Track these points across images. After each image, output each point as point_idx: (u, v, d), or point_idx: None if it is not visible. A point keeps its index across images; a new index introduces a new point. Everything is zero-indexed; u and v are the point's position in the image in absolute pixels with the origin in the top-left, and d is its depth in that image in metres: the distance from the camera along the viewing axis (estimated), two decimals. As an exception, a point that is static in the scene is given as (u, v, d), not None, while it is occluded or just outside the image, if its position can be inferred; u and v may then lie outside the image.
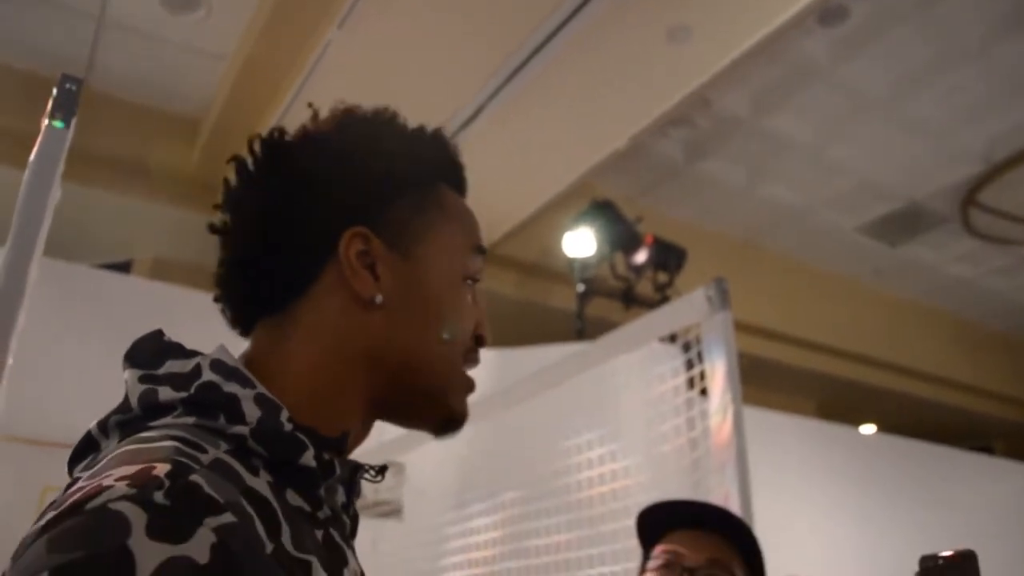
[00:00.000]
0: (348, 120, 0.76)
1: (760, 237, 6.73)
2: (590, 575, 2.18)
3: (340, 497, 0.67)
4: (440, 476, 4.07)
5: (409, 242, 0.73)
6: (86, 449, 0.64)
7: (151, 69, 4.63)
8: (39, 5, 4.18)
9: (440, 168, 0.79)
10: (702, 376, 2.01)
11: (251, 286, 0.72)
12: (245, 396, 0.63)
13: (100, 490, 0.49)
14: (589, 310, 5.49)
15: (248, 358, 0.70)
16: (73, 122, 1.51)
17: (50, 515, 0.50)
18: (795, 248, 6.87)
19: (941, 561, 0.78)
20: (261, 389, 0.64)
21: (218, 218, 0.74)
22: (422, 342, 0.72)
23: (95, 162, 4.73)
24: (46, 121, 1.47)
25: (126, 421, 0.63)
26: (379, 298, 0.70)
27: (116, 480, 0.50)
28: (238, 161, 0.74)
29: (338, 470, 0.65)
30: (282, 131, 0.74)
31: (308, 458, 0.62)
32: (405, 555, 3.45)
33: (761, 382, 7.41)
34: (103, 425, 0.65)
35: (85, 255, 4.99)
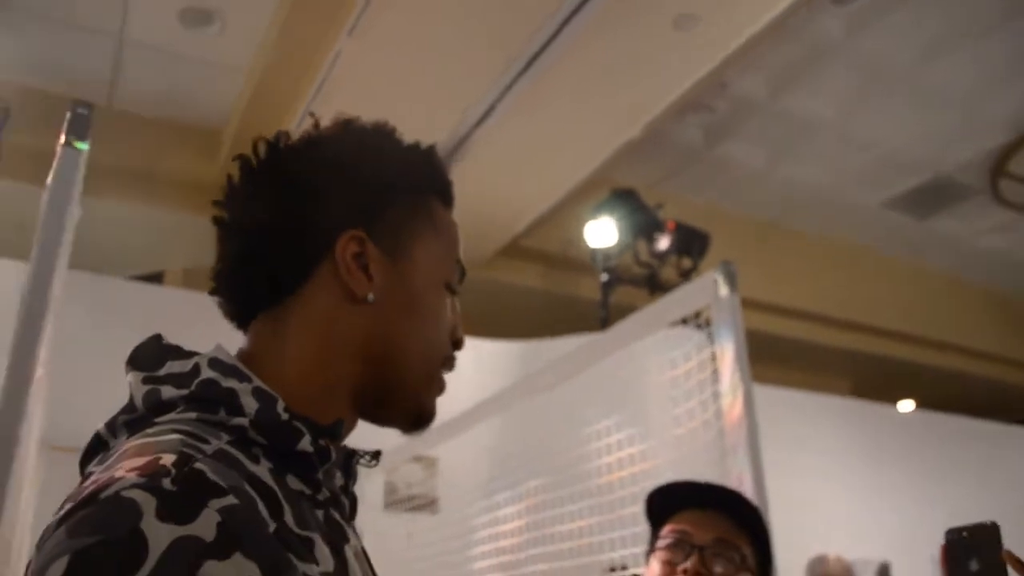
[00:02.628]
0: (348, 129, 0.80)
1: (786, 217, 6.68)
2: (612, 558, 2.21)
3: (338, 480, 0.72)
4: (472, 468, 4.12)
5: (399, 246, 0.77)
6: (96, 448, 0.69)
7: (171, 84, 4.73)
8: (61, 27, 4.29)
9: (432, 182, 0.83)
10: (713, 358, 2.03)
11: (249, 282, 0.76)
12: (243, 390, 0.67)
13: (112, 481, 0.54)
14: (615, 298, 5.51)
15: (246, 352, 0.75)
16: (86, 144, 1.58)
17: (68, 506, 0.55)
18: (822, 227, 6.81)
19: (965, 533, 0.80)
20: (258, 383, 0.69)
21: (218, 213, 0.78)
22: (404, 338, 0.76)
23: (122, 177, 4.84)
24: (61, 142, 1.54)
25: (132, 420, 0.68)
26: (372, 297, 0.74)
27: (127, 471, 0.55)
28: (242, 160, 0.78)
29: (334, 455, 0.70)
30: (287, 135, 0.79)
31: (305, 444, 0.67)
32: (438, 547, 3.51)
33: (794, 363, 7.37)
34: (111, 425, 0.70)
35: (117, 268, 5.11)
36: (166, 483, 0.54)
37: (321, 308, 0.74)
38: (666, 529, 1.38)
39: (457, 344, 0.82)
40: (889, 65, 5.08)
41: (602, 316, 5.37)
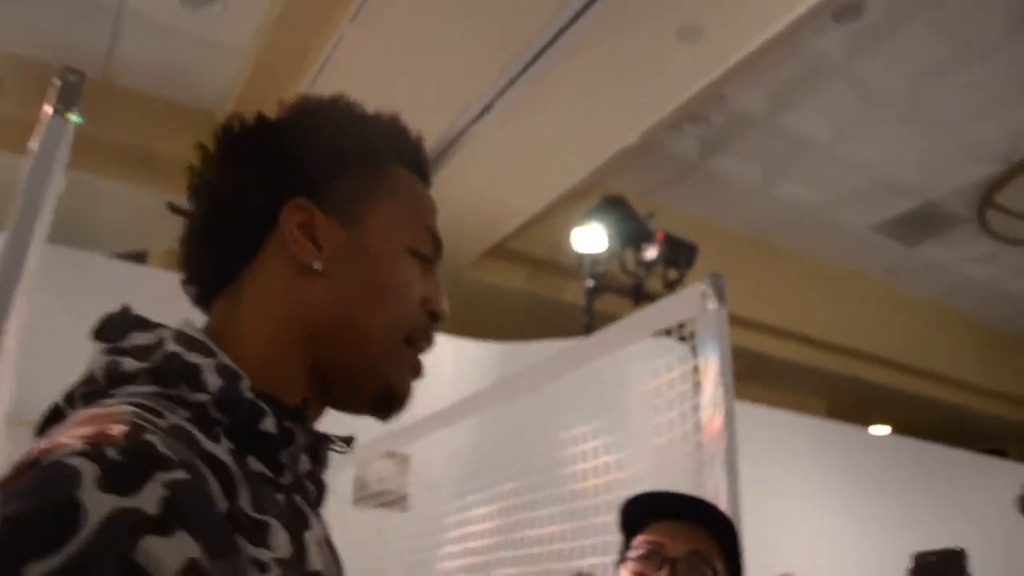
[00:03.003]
0: (301, 105, 0.78)
1: (774, 235, 6.70)
2: (580, 566, 2.20)
3: (304, 465, 0.69)
4: (446, 468, 4.10)
5: (352, 214, 0.75)
6: (52, 420, 0.65)
7: (168, 62, 4.68)
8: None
9: (395, 150, 0.80)
10: (695, 371, 2.02)
11: (204, 260, 0.75)
12: (207, 365, 0.65)
13: (56, 447, 0.51)
14: (599, 306, 5.50)
15: (208, 329, 0.72)
16: (76, 112, 1.55)
17: (9, 472, 0.52)
18: (810, 246, 6.84)
19: (933, 558, 0.80)
20: (223, 359, 0.66)
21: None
22: (360, 309, 0.73)
23: (111, 153, 4.79)
24: (48, 110, 1.51)
25: (90, 392, 0.65)
26: (318, 264, 0.72)
27: (71, 438, 0.52)
28: (201, 147, 0.77)
29: (299, 438, 0.67)
30: (241, 118, 0.77)
31: (268, 424, 0.64)
32: (407, 544, 3.49)
33: (770, 380, 7.39)
34: (69, 397, 0.66)
35: (101, 245, 5.06)
36: (111, 452, 0.50)
37: (271, 280, 0.72)
38: (639, 539, 1.36)
39: (435, 316, 0.78)
40: (886, 88, 5.11)
41: (586, 322, 5.36)
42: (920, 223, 6.42)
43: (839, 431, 6.54)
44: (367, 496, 4.51)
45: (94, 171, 4.60)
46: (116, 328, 0.68)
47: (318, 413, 0.75)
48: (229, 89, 4.82)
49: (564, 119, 4.57)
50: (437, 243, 0.80)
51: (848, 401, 8.06)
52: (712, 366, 1.99)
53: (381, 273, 0.75)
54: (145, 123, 4.93)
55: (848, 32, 4.63)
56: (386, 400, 0.75)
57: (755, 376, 7.18)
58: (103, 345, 0.67)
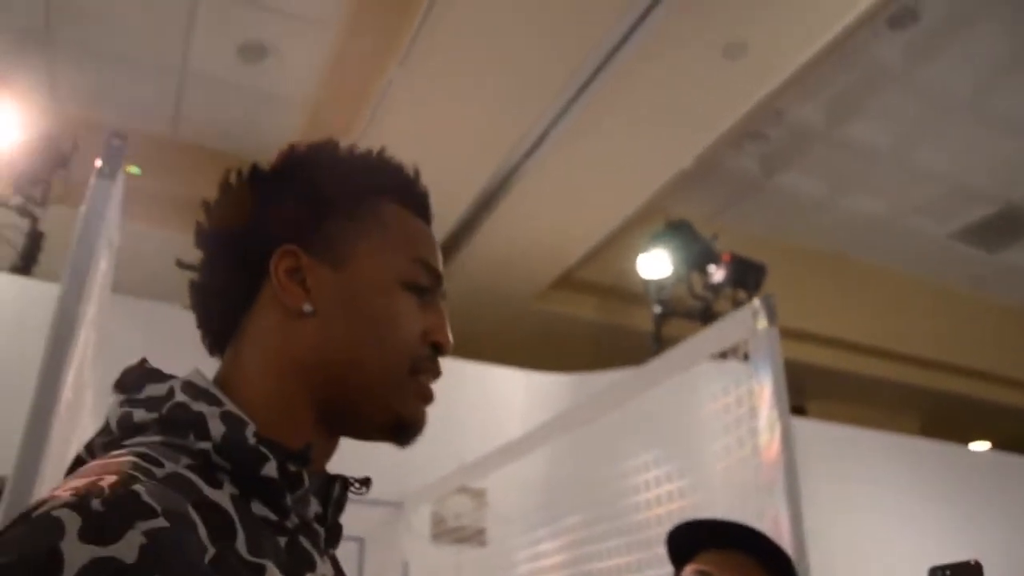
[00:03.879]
0: (287, 153, 0.81)
1: (846, 249, 6.52)
2: (646, 598, 2.15)
3: (314, 507, 0.70)
4: (520, 500, 4.08)
5: (340, 254, 0.76)
6: (75, 469, 0.68)
7: (231, 117, 4.86)
8: (126, 63, 4.45)
9: (381, 186, 0.81)
10: (751, 393, 1.97)
11: (208, 312, 0.78)
12: (211, 414, 0.66)
13: (48, 500, 0.54)
14: (669, 330, 5.42)
15: (216, 379, 0.74)
16: (121, 174, 1.62)
17: (7, 523, 0.55)
18: (885, 259, 6.62)
19: (948, 572, 0.77)
20: (229, 407, 0.68)
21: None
22: (356, 347, 0.74)
23: (183, 208, 4.97)
24: (94, 177, 1.59)
25: (108, 442, 0.68)
26: (308, 307, 0.73)
27: (64, 491, 0.55)
28: (204, 203, 0.80)
29: (307, 481, 0.68)
30: (239, 172, 0.80)
31: (270, 470, 0.65)
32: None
33: (859, 399, 7.15)
34: (90, 447, 0.70)
35: (175, 297, 5.24)
36: (95, 503, 0.53)
37: (267, 327, 0.74)
38: (688, 569, 1.33)
39: (438, 348, 0.78)
40: (951, 92, 4.94)
41: (655, 349, 5.29)
42: (1001, 227, 6.16)
43: (935, 449, 6.26)
44: (444, 532, 4.51)
45: (163, 225, 4.78)
46: (133, 380, 0.70)
47: (329, 452, 0.76)
48: (288, 140, 4.96)
49: (617, 146, 4.56)
50: (434, 274, 0.80)
51: (943, 417, 7.72)
52: (767, 388, 1.93)
53: (372, 309, 0.75)
54: (212, 177, 5.10)
55: (906, 37, 4.51)
56: (398, 430, 0.76)
57: (844, 396, 6.96)
58: (119, 396, 0.70)
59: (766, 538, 1.37)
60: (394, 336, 0.75)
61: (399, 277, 0.77)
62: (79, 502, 0.53)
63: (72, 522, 0.51)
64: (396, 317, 0.76)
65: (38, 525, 0.52)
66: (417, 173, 0.84)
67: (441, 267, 0.82)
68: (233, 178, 0.79)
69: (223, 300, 0.77)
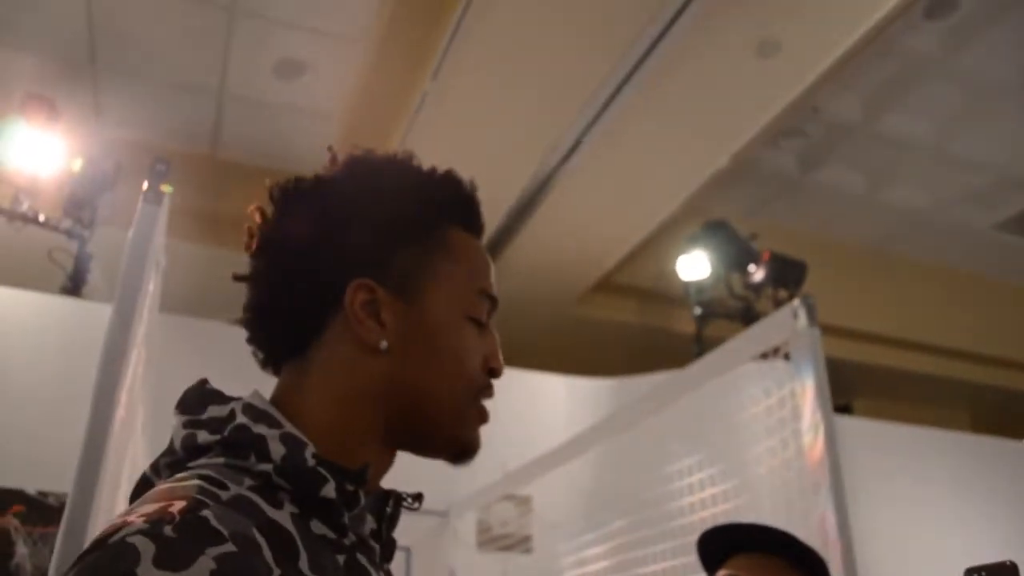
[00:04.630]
0: (355, 168, 0.81)
1: (889, 243, 6.41)
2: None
3: (369, 524, 0.72)
4: (566, 507, 4.08)
5: (413, 288, 0.77)
6: (141, 489, 0.72)
7: (269, 134, 4.94)
8: (167, 86, 4.56)
9: (450, 209, 0.82)
10: (793, 394, 1.96)
11: (270, 332, 0.79)
12: (272, 436, 0.69)
13: (122, 526, 0.57)
14: (710, 332, 5.38)
15: (275, 399, 0.76)
16: (166, 199, 1.68)
17: (87, 546, 0.58)
18: (929, 252, 6.50)
19: (983, 573, 0.77)
20: (288, 428, 0.70)
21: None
22: (428, 381, 0.76)
23: (227, 224, 5.06)
24: (140, 201, 1.64)
25: (173, 463, 0.71)
26: (384, 344, 0.74)
27: (137, 517, 0.58)
28: (260, 211, 0.80)
29: (363, 500, 0.70)
30: (298, 179, 0.80)
31: (329, 490, 0.67)
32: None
33: (906, 396, 7.02)
34: (155, 467, 0.73)
35: (224, 312, 5.33)
36: (167, 530, 0.55)
37: (339, 358, 0.75)
38: (720, 574, 1.34)
39: (493, 373, 0.80)
40: (991, 80, 4.85)
41: (696, 351, 5.26)
42: (1049, 216, 6.02)
43: (987, 444, 6.13)
44: (490, 540, 4.53)
45: (212, 242, 4.86)
46: (195, 401, 0.73)
47: (385, 470, 0.78)
48: (326, 155, 5.03)
49: (652, 148, 4.56)
50: (494, 302, 0.82)
51: (994, 412, 7.55)
52: (809, 388, 1.92)
53: (443, 345, 0.77)
54: (253, 194, 5.19)
55: (943, 26, 4.44)
56: (462, 454, 0.79)
57: (891, 393, 6.84)
58: (182, 417, 0.72)
59: (796, 540, 1.37)
60: (462, 369, 0.77)
61: (465, 311, 0.79)
62: (152, 529, 0.55)
63: (147, 549, 0.54)
64: (465, 351, 0.78)
65: (114, 551, 0.55)
66: (475, 188, 0.84)
67: (497, 292, 0.83)
68: (293, 188, 0.79)
69: (289, 324, 0.77)
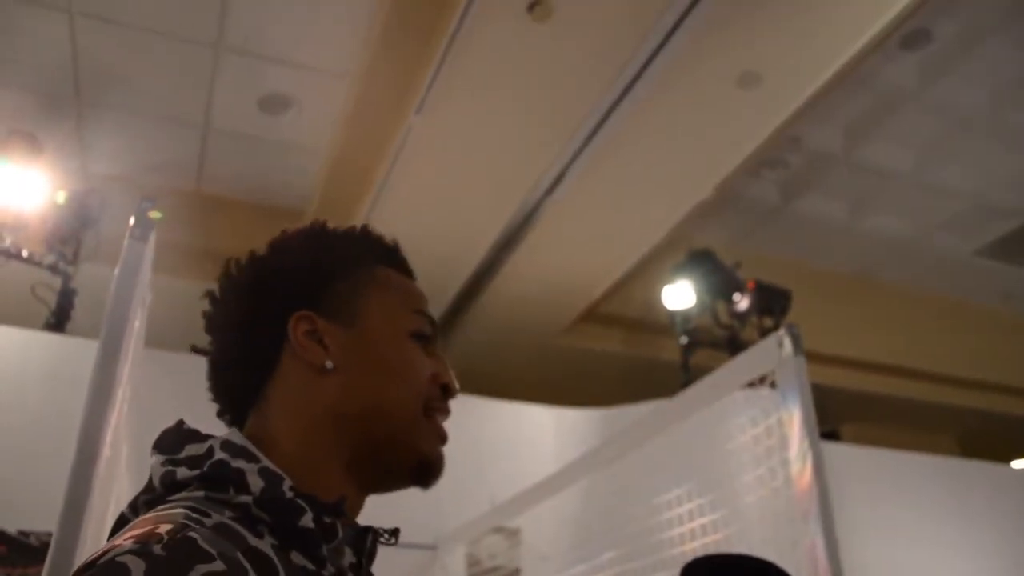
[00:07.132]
0: (284, 237, 0.90)
1: (871, 270, 6.48)
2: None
3: (348, 558, 0.74)
4: (556, 539, 4.05)
5: (348, 312, 0.83)
6: (120, 526, 0.73)
7: (254, 169, 4.96)
8: (151, 121, 4.57)
9: (371, 253, 0.90)
10: (780, 423, 1.96)
11: (230, 382, 0.84)
12: (250, 470, 0.71)
13: (110, 549, 0.58)
14: (697, 361, 5.39)
15: (248, 437, 0.78)
16: (152, 236, 1.69)
17: (73, 573, 0.60)
18: (912, 278, 6.57)
19: None
20: (265, 463, 0.73)
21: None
22: (377, 392, 0.80)
23: (212, 259, 5.05)
24: (127, 239, 1.65)
25: (151, 500, 0.73)
26: (329, 364, 0.80)
27: (125, 539, 0.59)
28: (208, 293, 0.87)
29: (340, 532, 0.72)
30: (236, 260, 0.88)
31: (307, 521, 0.70)
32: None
33: (894, 422, 7.05)
34: (134, 505, 0.75)
35: (209, 347, 5.30)
36: (156, 548, 0.57)
37: (293, 386, 0.80)
38: None
39: (446, 389, 0.85)
40: (968, 109, 4.94)
41: (683, 380, 5.26)
42: (1028, 241, 6.10)
43: (975, 468, 6.15)
44: (480, 573, 4.49)
45: (200, 277, 4.85)
46: (173, 441, 0.76)
47: (359, 506, 0.81)
48: (312, 189, 5.04)
49: (636, 179, 4.60)
50: (432, 323, 0.88)
51: (982, 436, 7.59)
52: (796, 417, 1.93)
53: (387, 358, 0.82)
54: (239, 228, 5.19)
55: (919, 58, 4.52)
56: (423, 469, 0.82)
57: (878, 419, 6.87)
58: (160, 456, 0.74)
59: (780, 569, 1.36)
60: (408, 379, 0.82)
61: (406, 328, 0.85)
62: (142, 548, 0.57)
63: (137, 567, 0.55)
64: (409, 363, 0.83)
65: (106, 570, 0.56)
66: (397, 242, 0.93)
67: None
68: (233, 267, 0.87)
69: (244, 370, 0.82)
